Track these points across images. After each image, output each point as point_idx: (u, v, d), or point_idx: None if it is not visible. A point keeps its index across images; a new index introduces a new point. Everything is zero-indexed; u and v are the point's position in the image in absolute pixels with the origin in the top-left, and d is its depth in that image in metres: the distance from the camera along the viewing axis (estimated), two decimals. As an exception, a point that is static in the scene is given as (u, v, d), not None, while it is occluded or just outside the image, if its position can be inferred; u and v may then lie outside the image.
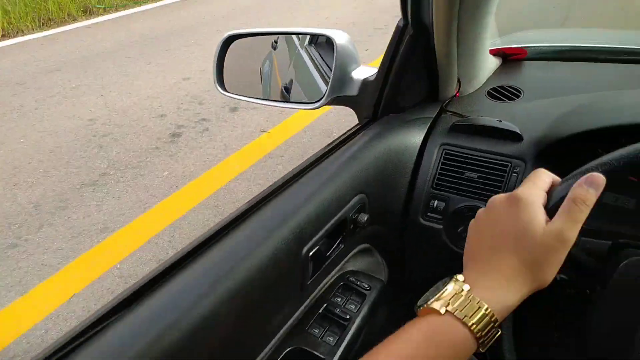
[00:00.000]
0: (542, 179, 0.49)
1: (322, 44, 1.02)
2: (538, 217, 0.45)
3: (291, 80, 1.10)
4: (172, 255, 0.56)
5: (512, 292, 0.44)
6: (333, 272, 0.85)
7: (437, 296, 0.44)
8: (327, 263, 0.74)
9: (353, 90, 0.87)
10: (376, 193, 0.83)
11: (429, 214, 0.86)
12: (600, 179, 0.45)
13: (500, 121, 0.80)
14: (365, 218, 0.77)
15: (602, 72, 0.98)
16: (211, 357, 0.54)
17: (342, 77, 0.84)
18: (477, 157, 0.81)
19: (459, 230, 0.86)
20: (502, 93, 0.91)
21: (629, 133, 0.66)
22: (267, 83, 1.14)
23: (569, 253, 0.45)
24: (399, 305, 0.88)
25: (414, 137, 0.86)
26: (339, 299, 0.85)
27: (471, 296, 0.43)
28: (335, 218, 0.72)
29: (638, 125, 0.71)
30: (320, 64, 0.97)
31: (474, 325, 0.42)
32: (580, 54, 1.02)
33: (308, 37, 1.00)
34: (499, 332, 0.44)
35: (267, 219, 0.63)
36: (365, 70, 0.87)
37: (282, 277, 0.63)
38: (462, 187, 0.83)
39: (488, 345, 0.44)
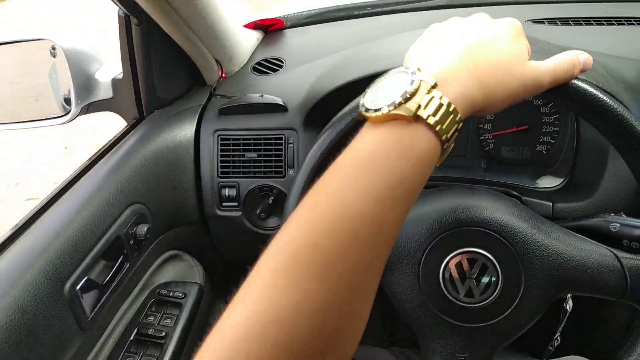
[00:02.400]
0: None
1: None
2: (525, 52, 0.43)
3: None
4: None
5: (479, 96, 0.39)
6: (135, 292, 0.78)
7: (399, 96, 0.35)
8: (112, 288, 0.68)
9: (106, 93, 0.80)
10: (157, 198, 0.78)
11: (224, 203, 0.84)
12: (590, 60, 0.47)
13: (262, 96, 0.80)
14: (145, 229, 0.72)
15: (357, 28, 1.03)
16: None
17: (85, 82, 0.76)
18: (251, 137, 0.80)
19: (257, 211, 0.85)
20: (266, 66, 0.90)
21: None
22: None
23: None
24: (225, 302, 0.86)
25: (186, 130, 0.81)
26: (152, 318, 0.80)
27: (435, 92, 0.36)
28: (104, 239, 0.65)
29: (381, 73, 0.75)
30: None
31: (441, 129, 0.35)
32: (335, 14, 1.06)
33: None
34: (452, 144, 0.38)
35: (7, 267, 0.54)
36: (113, 69, 0.79)
37: (41, 326, 0.54)
38: (247, 169, 0.82)
39: (445, 157, 0.38)
